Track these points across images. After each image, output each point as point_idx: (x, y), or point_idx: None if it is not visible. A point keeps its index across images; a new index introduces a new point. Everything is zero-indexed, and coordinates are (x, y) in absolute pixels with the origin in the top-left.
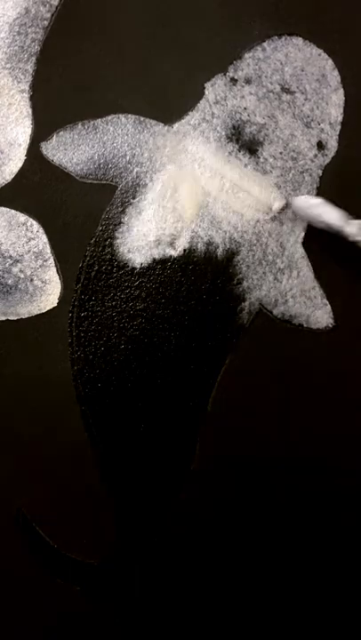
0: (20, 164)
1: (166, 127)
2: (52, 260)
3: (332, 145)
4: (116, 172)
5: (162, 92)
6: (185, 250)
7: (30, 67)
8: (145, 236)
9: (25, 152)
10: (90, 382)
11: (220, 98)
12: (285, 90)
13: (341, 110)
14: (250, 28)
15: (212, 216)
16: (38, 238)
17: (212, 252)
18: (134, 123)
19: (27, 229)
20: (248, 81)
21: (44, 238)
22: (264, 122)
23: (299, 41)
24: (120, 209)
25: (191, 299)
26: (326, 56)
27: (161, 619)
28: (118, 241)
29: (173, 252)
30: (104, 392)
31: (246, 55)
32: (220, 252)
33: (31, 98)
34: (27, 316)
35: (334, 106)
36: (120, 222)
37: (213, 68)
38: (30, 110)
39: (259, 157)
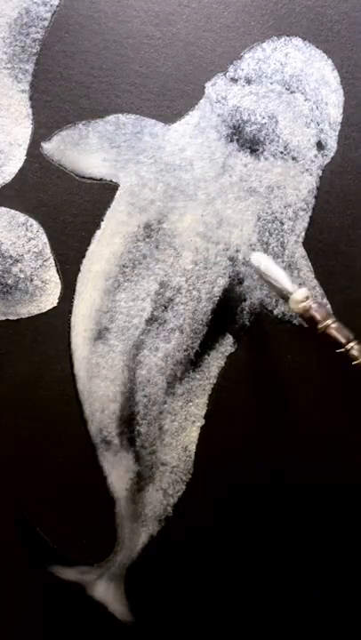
0: (19, 164)
1: (166, 127)
2: (51, 260)
3: (332, 145)
4: (116, 172)
5: (162, 91)
6: (185, 249)
7: (30, 67)
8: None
9: (25, 152)
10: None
11: (220, 97)
12: (285, 90)
13: (341, 110)
14: (250, 28)
15: (213, 215)
16: (38, 238)
17: (213, 252)
18: (134, 123)
19: (27, 229)
20: (248, 81)
21: (44, 238)
22: (264, 121)
23: (299, 41)
24: (121, 209)
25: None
26: (326, 56)
27: (161, 619)
28: (119, 240)
29: (174, 251)
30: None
31: (246, 55)
32: (220, 251)
33: (31, 98)
34: (27, 315)
35: (334, 106)
36: (121, 222)
37: (213, 67)
38: (30, 110)
39: (259, 157)
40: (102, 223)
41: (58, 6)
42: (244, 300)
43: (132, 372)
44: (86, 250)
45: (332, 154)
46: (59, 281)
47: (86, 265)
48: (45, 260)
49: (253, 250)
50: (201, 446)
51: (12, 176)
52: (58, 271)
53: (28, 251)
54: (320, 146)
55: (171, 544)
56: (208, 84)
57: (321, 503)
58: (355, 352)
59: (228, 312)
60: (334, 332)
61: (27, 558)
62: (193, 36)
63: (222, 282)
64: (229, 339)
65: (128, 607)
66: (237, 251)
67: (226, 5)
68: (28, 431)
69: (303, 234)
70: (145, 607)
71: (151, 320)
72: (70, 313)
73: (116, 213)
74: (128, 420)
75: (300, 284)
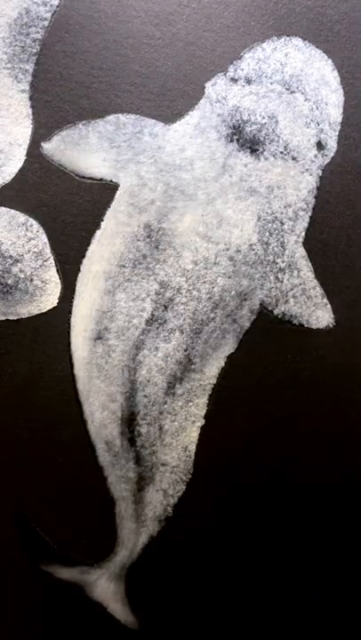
0: (19, 164)
1: (166, 127)
2: (51, 260)
3: (332, 145)
4: (116, 172)
5: (162, 91)
6: (185, 249)
7: (30, 67)
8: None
9: (25, 152)
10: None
11: (220, 97)
12: (285, 90)
13: (341, 110)
14: (250, 28)
15: (213, 215)
16: (38, 238)
17: (213, 252)
18: (134, 122)
19: (27, 229)
20: (248, 81)
21: (44, 238)
22: (265, 121)
23: (299, 41)
24: (121, 209)
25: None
26: (326, 56)
27: (161, 619)
28: (119, 240)
29: (174, 251)
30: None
31: (246, 55)
32: (220, 251)
33: (31, 98)
34: (27, 315)
35: (334, 106)
36: (121, 222)
37: (213, 67)
38: (30, 110)
39: (259, 157)
40: (102, 223)
41: (58, 6)
42: (245, 300)
43: (132, 372)
44: (86, 250)
45: (332, 154)
46: (59, 281)
47: (86, 265)
48: (45, 260)
49: None
50: (201, 446)
51: (12, 176)
52: (58, 271)
53: (28, 251)
54: (320, 146)
55: (171, 544)
56: (208, 84)
57: (321, 503)
58: None
59: (228, 312)
60: None
61: (27, 558)
62: (193, 35)
63: (222, 282)
64: (230, 339)
65: (128, 607)
66: (238, 251)
67: (226, 5)
68: (28, 431)
69: (303, 234)
70: (145, 607)
71: (151, 320)
72: (70, 313)
73: (116, 213)
74: (128, 421)
75: None
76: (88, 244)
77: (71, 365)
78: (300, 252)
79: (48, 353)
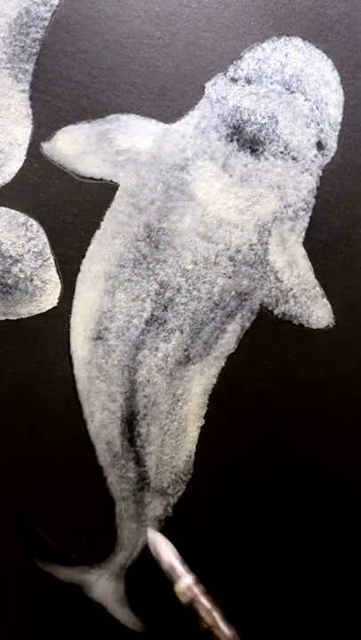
0: (19, 164)
1: (166, 127)
2: (51, 260)
3: (332, 145)
4: (116, 172)
5: (162, 91)
6: (185, 249)
7: (30, 67)
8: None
9: (25, 152)
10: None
11: (220, 97)
12: (285, 90)
13: (341, 110)
14: (250, 28)
15: (213, 215)
16: (38, 238)
17: (213, 252)
18: (134, 122)
19: (27, 229)
20: (248, 81)
21: (44, 238)
22: (265, 121)
23: (299, 41)
24: (121, 209)
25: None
26: (326, 56)
27: (161, 619)
28: (119, 240)
29: (174, 251)
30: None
31: (246, 55)
32: (220, 251)
33: (31, 98)
34: (27, 315)
35: (334, 106)
36: (121, 222)
37: (213, 67)
38: (30, 110)
39: (259, 157)
40: (102, 223)
41: (58, 6)
42: (245, 300)
43: (132, 372)
44: (86, 250)
45: (332, 154)
46: (59, 281)
47: (86, 265)
48: (45, 260)
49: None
50: (201, 446)
51: (12, 176)
52: (58, 271)
53: (28, 251)
54: (320, 146)
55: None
56: (208, 84)
57: (321, 503)
58: None
59: (228, 312)
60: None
61: (27, 558)
62: (193, 35)
63: (222, 282)
64: (230, 339)
65: (128, 607)
66: (238, 251)
67: (226, 5)
68: (28, 431)
69: (303, 234)
70: (145, 607)
71: (151, 320)
72: (70, 313)
73: (116, 213)
74: (128, 421)
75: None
76: (88, 244)
77: (71, 365)
78: (301, 251)
79: (48, 353)
